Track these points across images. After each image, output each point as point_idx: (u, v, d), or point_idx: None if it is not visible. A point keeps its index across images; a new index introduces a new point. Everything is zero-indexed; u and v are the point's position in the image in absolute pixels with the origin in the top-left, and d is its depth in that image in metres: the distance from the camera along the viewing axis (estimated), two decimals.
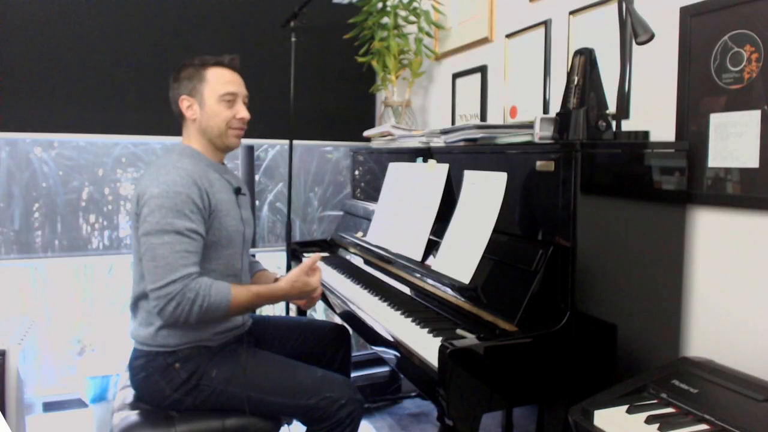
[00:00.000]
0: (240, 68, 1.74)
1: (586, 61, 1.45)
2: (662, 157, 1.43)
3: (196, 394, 1.57)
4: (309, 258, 1.69)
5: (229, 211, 1.66)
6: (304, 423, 1.62)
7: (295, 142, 2.62)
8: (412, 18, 2.65)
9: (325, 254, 1.53)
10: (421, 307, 1.66)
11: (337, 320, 2.02)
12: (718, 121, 1.44)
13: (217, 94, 1.66)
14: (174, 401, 1.57)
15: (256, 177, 3.06)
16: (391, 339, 1.48)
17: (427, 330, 1.45)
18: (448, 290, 1.58)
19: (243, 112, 1.70)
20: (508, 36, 2.22)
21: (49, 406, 2.63)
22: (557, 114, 1.48)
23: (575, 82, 1.46)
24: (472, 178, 1.64)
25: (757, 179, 1.36)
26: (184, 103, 1.67)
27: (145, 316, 1.60)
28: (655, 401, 1.15)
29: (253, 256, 2.20)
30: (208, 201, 1.59)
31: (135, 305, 1.64)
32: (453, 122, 2.64)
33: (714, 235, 1.47)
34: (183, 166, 1.59)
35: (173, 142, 2.77)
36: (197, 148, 1.70)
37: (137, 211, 1.56)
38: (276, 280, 1.88)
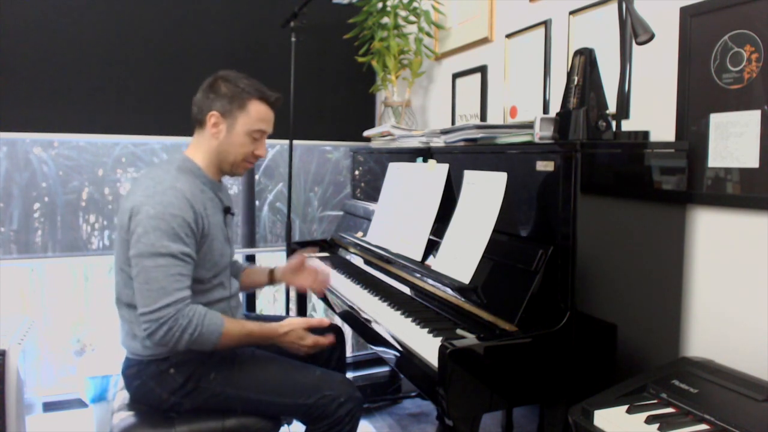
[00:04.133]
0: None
1: (586, 61, 1.45)
2: (662, 157, 1.43)
3: (194, 396, 1.56)
4: (318, 319, 1.72)
5: (217, 234, 1.61)
6: (303, 422, 1.62)
7: (295, 142, 2.62)
8: (412, 18, 2.65)
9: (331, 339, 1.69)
10: (421, 307, 1.65)
11: (335, 320, 2.01)
12: (718, 121, 1.44)
13: (249, 129, 1.61)
14: (173, 404, 1.56)
15: (256, 177, 3.06)
16: (391, 339, 1.47)
17: (427, 330, 1.45)
18: (448, 290, 1.58)
19: (261, 150, 1.66)
20: (508, 36, 2.22)
21: (49, 406, 2.62)
22: (557, 114, 1.48)
23: (575, 82, 1.46)
24: (472, 178, 1.64)
25: (757, 179, 1.36)
26: (212, 119, 1.59)
27: (128, 327, 1.57)
28: (655, 401, 1.15)
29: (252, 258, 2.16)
30: (203, 225, 1.54)
31: (120, 313, 1.60)
32: (453, 122, 2.64)
33: (714, 235, 1.47)
34: (180, 185, 1.52)
35: (173, 142, 2.78)
36: (199, 163, 1.62)
37: (128, 225, 1.49)
38: (272, 271, 1.93)
